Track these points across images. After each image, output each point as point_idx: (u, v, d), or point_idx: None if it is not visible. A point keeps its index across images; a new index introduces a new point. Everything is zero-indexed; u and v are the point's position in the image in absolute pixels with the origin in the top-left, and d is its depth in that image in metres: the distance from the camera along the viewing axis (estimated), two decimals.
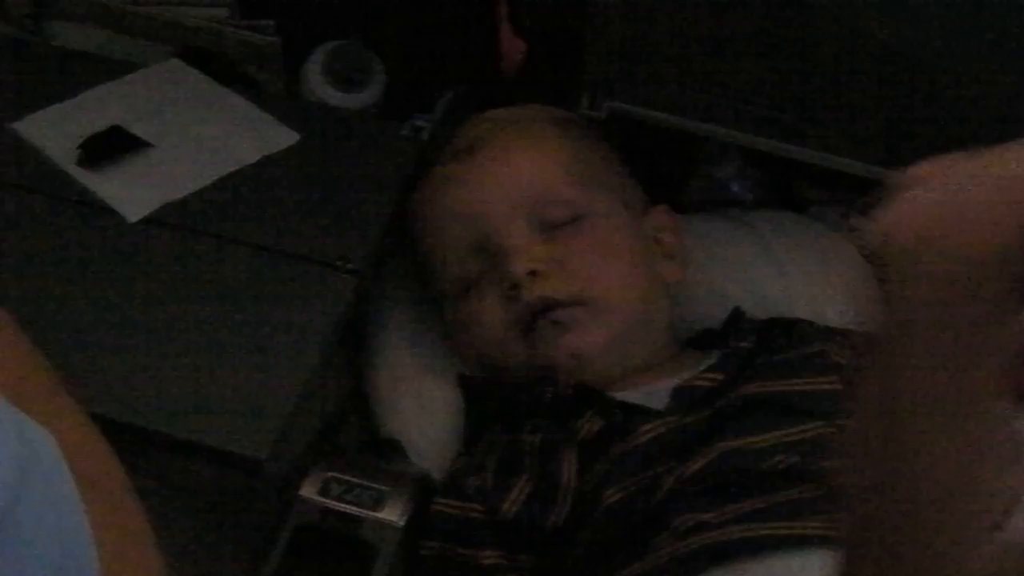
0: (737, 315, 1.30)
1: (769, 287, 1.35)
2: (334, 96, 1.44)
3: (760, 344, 1.23)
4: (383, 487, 1.15)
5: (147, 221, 1.26)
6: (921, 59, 1.19)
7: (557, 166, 1.26)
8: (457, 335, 1.28)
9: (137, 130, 1.33)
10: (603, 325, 1.20)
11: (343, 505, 1.14)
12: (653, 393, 1.18)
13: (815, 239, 1.41)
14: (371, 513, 1.14)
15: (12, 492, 0.58)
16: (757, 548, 1.03)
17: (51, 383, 0.75)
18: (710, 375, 1.19)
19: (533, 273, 1.20)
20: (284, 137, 1.35)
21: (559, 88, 1.39)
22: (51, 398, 0.74)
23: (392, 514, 1.14)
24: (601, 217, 1.25)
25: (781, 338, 1.24)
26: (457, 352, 1.28)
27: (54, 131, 1.32)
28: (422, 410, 1.27)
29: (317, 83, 1.44)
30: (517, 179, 1.25)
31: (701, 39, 1.27)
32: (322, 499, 1.14)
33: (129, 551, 0.69)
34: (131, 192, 1.27)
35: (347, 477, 1.15)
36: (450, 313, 1.27)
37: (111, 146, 1.30)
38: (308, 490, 1.15)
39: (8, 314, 0.74)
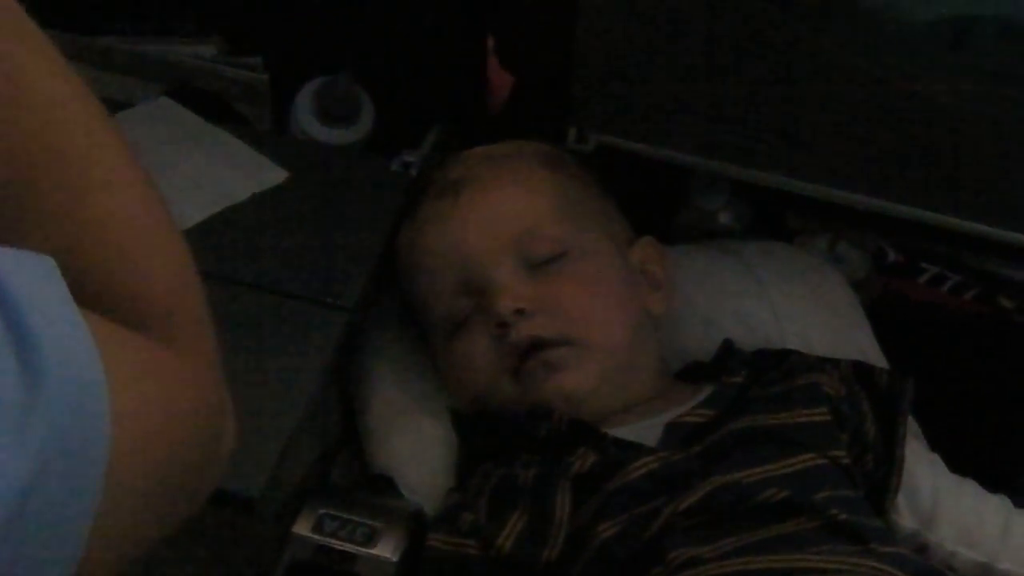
0: (728, 348, 1.30)
1: (758, 317, 1.36)
2: (323, 132, 1.45)
3: (751, 377, 1.23)
4: (376, 523, 1.15)
5: None
6: (910, 90, 1.20)
7: (542, 203, 1.26)
8: (447, 373, 1.28)
9: None
10: (593, 365, 1.21)
11: (337, 542, 1.14)
12: (646, 429, 1.18)
13: (803, 268, 1.41)
14: (365, 549, 1.14)
15: None
16: None
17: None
18: (702, 411, 1.19)
19: (520, 311, 1.20)
20: (273, 174, 1.35)
21: (546, 122, 1.40)
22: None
23: (386, 550, 1.14)
24: (587, 253, 1.25)
25: (771, 370, 1.25)
26: (448, 389, 1.28)
27: None
28: (414, 445, 1.26)
29: (306, 119, 1.45)
30: (502, 217, 1.25)
31: (688, 72, 1.28)
32: (316, 536, 1.14)
33: (175, 433, 0.67)
34: None
35: (340, 514, 1.15)
36: (440, 352, 1.28)
37: None
38: (302, 527, 1.15)
39: None
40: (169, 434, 0.66)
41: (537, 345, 1.20)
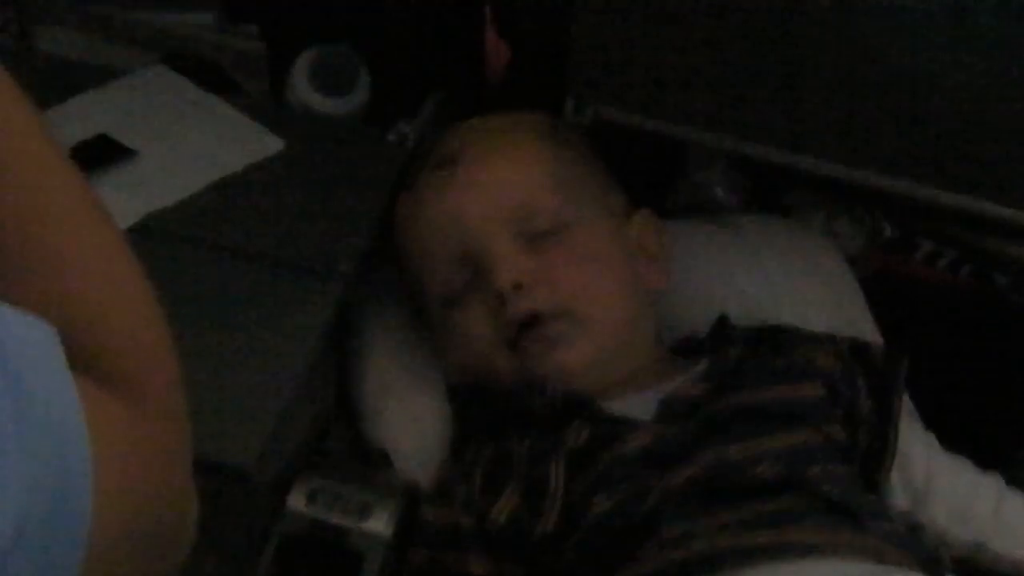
0: (723, 322, 1.30)
1: (754, 291, 1.36)
2: (319, 102, 1.44)
3: (746, 352, 1.23)
4: (370, 497, 1.15)
5: (133, 230, 1.25)
6: (907, 66, 1.19)
7: (539, 176, 1.26)
8: (444, 346, 1.27)
9: (123, 137, 1.32)
10: (590, 339, 1.20)
11: (330, 515, 1.14)
12: (641, 402, 1.18)
13: (800, 243, 1.41)
14: (358, 523, 1.14)
15: None
16: (745, 557, 1.03)
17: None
18: (697, 385, 1.19)
19: (518, 285, 1.20)
20: (270, 144, 1.35)
21: (543, 93, 1.39)
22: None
23: (379, 524, 1.14)
24: (585, 226, 1.25)
25: (767, 345, 1.25)
26: (444, 362, 1.28)
27: None
28: (409, 419, 1.26)
29: (302, 89, 1.44)
30: (499, 190, 1.24)
31: (686, 45, 1.27)
32: (308, 509, 1.15)
33: (152, 475, 0.68)
34: (117, 200, 1.25)
35: (334, 487, 1.16)
36: (436, 325, 1.27)
37: (97, 154, 1.30)
38: (295, 500, 1.15)
39: None
40: (142, 507, 0.67)
41: (535, 319, 1.20)
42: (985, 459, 1.26)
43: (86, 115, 1.35)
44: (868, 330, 1.35)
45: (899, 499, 1.22)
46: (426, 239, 1.27)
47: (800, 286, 1.36)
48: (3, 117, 0.70)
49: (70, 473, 0.61)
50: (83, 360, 0.65)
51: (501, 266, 1.21)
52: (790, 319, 1.31)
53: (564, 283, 1.21)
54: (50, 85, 1.37)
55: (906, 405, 1.26)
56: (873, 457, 1.20)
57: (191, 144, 1.34)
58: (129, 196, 1.28)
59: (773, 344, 1.25)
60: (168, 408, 0.71)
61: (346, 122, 1.44)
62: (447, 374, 1.28)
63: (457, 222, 1.24)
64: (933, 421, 1.30)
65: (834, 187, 1.39)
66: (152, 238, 1.25)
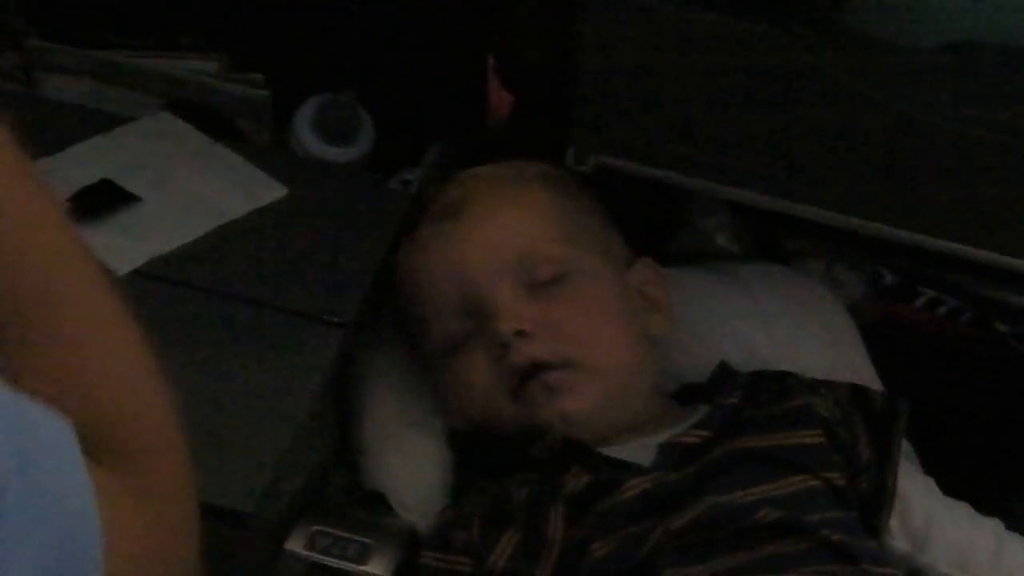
0: (723, 369, 1.30)
1: (755, 339, 1.36)
2: (323, 149, 1.45)
3: (746, 399, 1.24)
4: (369, 540, 1.15)
5: (136, 274, 1.26)
6: (907, 115, 1.20)
7: (542, 224, 1.27)
8: (445, 393, 1.27)
9: (127, 183, 1.33)
10: (593, 388, 1.21)
11: (329, 559, 1.14)
12: (640, 449, 1.18)
13: (800, 291, 1.42)
14: (357, 567, 1.14)
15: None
16: None
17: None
18: (697, 432, 1.19)
19: (521, 333, 1.20)
20: (273, 190, 1.36)
21: (546, 141, 1.40)
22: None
23: (378, 567, 1.14)
24: (587, 275, 1.25)
25: (766, 392, 1.25)
26: (444, 408, 1.28)
27: None
28: (408, 463, 1.26)
29: (306, 136, 1.45)
30: (502, 239, 1.25)
31: (688, 95, 1.28)
32: (308, 553, 1.14)
33: (153, 554, 0.69)
34: (120, 245, 1.28)
35: (333, 531, 1.15)
36: (437, 372, 1.27)
37: (101, 199, 1.31)
38: (294, 544, 1.15)
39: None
40: None
41: (538, 367, 1.20)
42: (985, 504, 1.26)
43: (90, 161, 1.35)
44: (868, 377, 1.36)
45: (899, 544, 1.21)
46: (429, 288, 1.27)
47: (800, 333, 1.36)
48: (23, 207, 0.71)
49: (83, 561, 0.62)
50: (93, 443, 0.66)
51: (504, 314, 1.21)
52: (790, 366, 1.31)
53: (567, 331, 1.22)
54: (55, 131, 1.38)
55: (906, 450, 1.26)
56: (873, 502, 1.20)
57: (194, 190, 1.35)
58: (132, 241, 1.28)
59: (773, 391, 1.25)
60: (176, 490, 0.73)
61: (349, 169, 1.45)
62: (447, 419, 1.28)
63: (460, 272, 1.24)
64: (933, 467, 1.30)
65: (834, 235, 1.39)
66: (155, 283, 1.25)
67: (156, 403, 0.74)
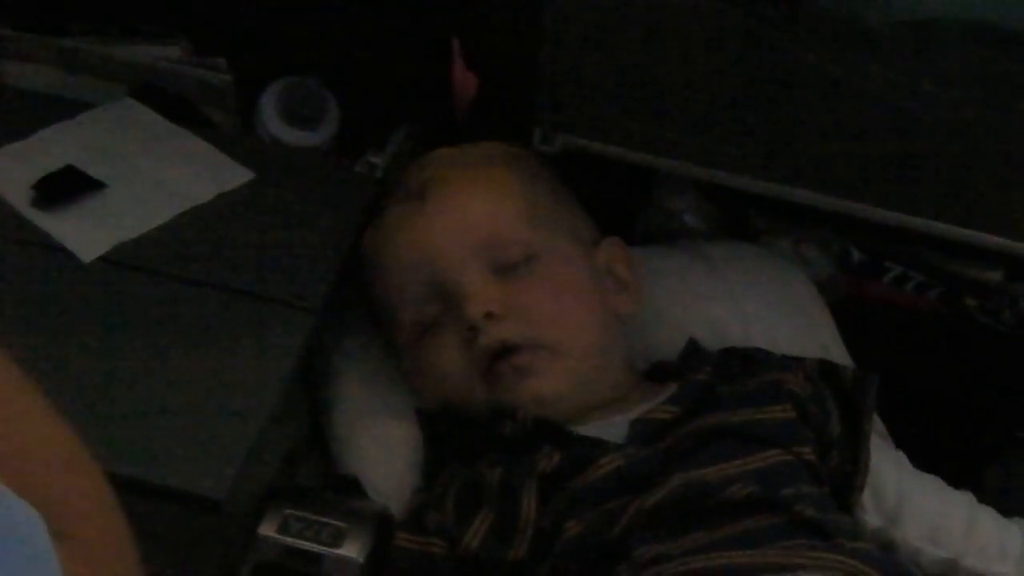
0: (693, 346, 1.30)
1: (723, 316, 1.36)
2: (288, 133, 1.45)
3: (716, 375, 1.24)
4: (342, 524, 1.15)
5: (102, 261, 1.25)
6: (874, 92, 1.20)
7: (508, 206, 1.26)
8: (415, 377, 1.27)
9: (91, 170, 1.32)
10: (562, 368, 1.21)
11: (302, 542, 1.13)
12: (611, 426, 1.19)
13: (768, 268, 1.42)
14: (331, 550, 1.13)
15: None
16: None
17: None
18: (667, 408, 1.20)
19: (489, 315, 1.20)
20: (238, 175, 1.35)
21: (512, 123, 1.40)
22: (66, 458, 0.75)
23: (352, 550, 1.13)
24: (554, 255, 1.25)
25: (737, 368, 1.25)
26: (414, 390, 1.28)
27: (7, 172, 1.31)
28: (380, 446, 1.26)
29: (271, 120, 1.45)
30: (469, 221, 1.25)
31: (653, 74, 1.28)
32: (281, 537, 1.14)
33: None
34: (85, 232, 1.27)
35: (306, 514, 1.15)
36: (407, 355, 1.27)
37: (65, 186, 1.30)
38: (267, 528, 1.14)
39: None
40: None
41: (507, 349, 1.20)
42: (956, 478, 1.27)
43: (54, 148, 1.35)
44: (838, 353, 1.36)
45: (871, 518, 1.22)
46: (396, 272, 1.27)
47: (769, 310, 1.37)
48: None
49: None
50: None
51: (472, 297, 1.21)
52: (760, 343, 1.32)
53: (535, 312, 1.22)
54: (18, 119, 1.38)
55: (877, 425, 1.26)
56: (845, 477, 1.21)
57: (160, 176, 1.34)
58: (97, 227, 1.28)
59: (743, 367, 1.25)
60: (118, 546, 0.75)
61: (315, 153, 1.45)
62: (418, 402, 1.28)
63: (426, 255, 1.24)
64: (904, 441, 1.31)
65: (801, 212, 1.39)
66: (121, 269, 1.25)
67: (95, 485, 0.76)
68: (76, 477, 0.75)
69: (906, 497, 1.22)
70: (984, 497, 1.26)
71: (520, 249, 1.24)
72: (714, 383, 1.23)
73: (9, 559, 0.61)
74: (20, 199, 1.29)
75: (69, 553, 0.66)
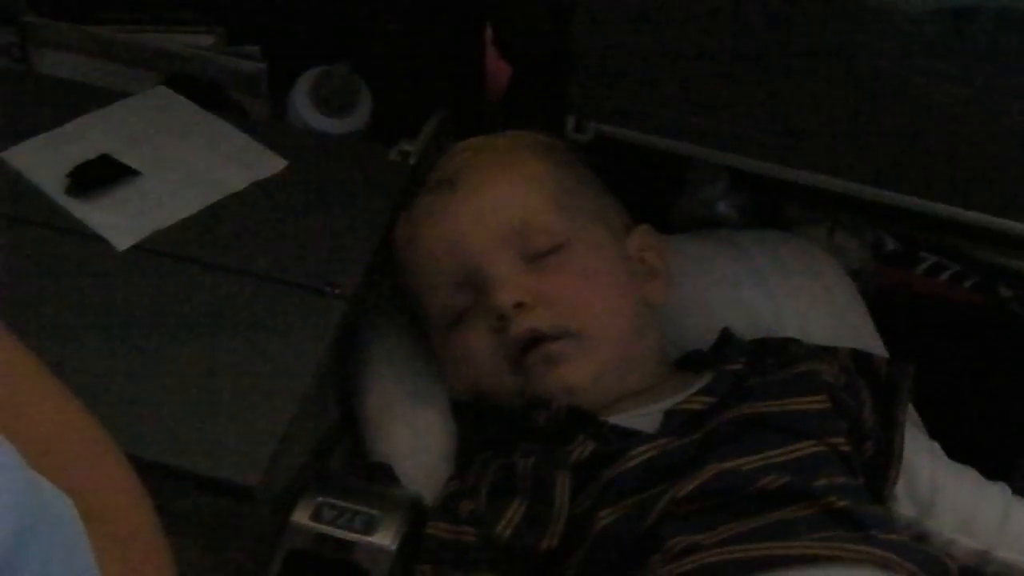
0: (726, 336, 1.30)
1: (757, 306, 1.36)
2: (321, 121, 1.45)
3: (750, 365, 1.23)
4: (375, 511, 1.15)
5: (136, 249, 1.26)
6: (906, 80, 1.20)
7: (539, 195, 1.26)
8: (447, 365, 1.27)
9: (125, 158, 1.33)
10: (593, 357, 1.20)
11: (335, 530, 1.14)
12: (645, 416, 1.18)
13: (801, 257, 1.41)
14: (363, 537, 1.13)
15: (13, 542, 0.59)
16: (751, 568, 1.03)
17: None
18: (701, 398, 1.19)
19: (519, 305, 1.20)
20: (272, 163, 1.35)
21: (544, 111, 1.40)
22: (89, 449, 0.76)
23: (384, 538, 1.14)
24: (585, 244, 1.25)
25: (770, 358, 1.25)
26: (447, 379, 1.28)
27: (42, 160, 1.32)
28: (413, 434, 1.26)
29: (304, 109, 1.45)
30: (499, 211, 1.24)
31: (686, 61, 1.28)
32: (314, 524, 1.14)
33: None
34: (119, 220, 1.28)
35: (339, 502, 1.15)
36: (439, 344, 1.27)
37: (99, 175, 1.31)
38: (300, 515, 1.15)
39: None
40: None
41: (537, 338, 1.20)
42: (990, 469, 1.26)
43: (88, 136, 1.35)
44: (872, 343, 1.35)
45: (905, 509, 1.21)
46: (426, 262, 1.27)
47: (803, 299, 1.36)
48: None
49: None
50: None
51: (501, 287, 1.21)
52: (793, 332, 1.31)
53: (565, 302, 1.21)
54: (52, 107, 1.38)
55: (911, 416, 1.26)
56: (878, 468, 1.20)
57: (193, 164, 1.34)
58: (131, 216, 1.28)
59: (777, 357, 1.25)
60: (150, 533, 0.76)
61: (348, 141, 1.45)
62: (450, 391, 1.28)
63: (456, 245, 1.24)
64: (938, 432, 1.30)
65: (835, 201, 1.39)
66: (155, 257, 1.25)
67: (119, 467, 0.77)
68: (103, 465, 0.76)
69: (940, 488, 1.22)
70: (1018, 488, 1.25)
71: (550, 238, 1.24)
72: (748, 373, 1.22)
73: (43, 543, 0.61)
74: (55, 187, 1.30)
75: (100, 537, 0.67)
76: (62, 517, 0.65)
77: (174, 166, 1.34)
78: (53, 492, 0.65)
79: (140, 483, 0.77)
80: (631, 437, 1.15)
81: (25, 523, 0.60)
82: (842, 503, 1.09)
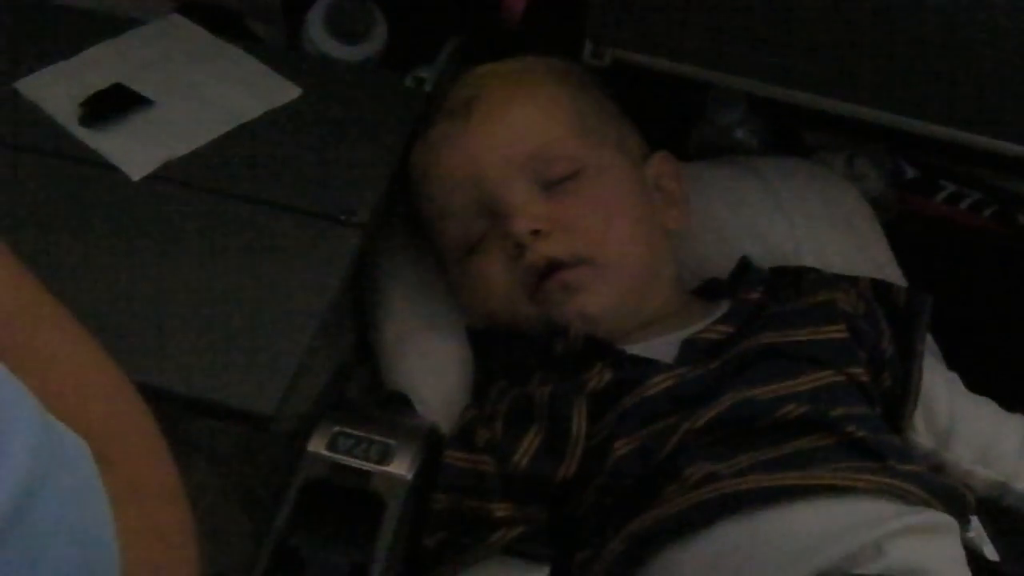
0: (745, 265, 1.29)
1: (775, 233, 1.35)
2: (336, 48, 1.44)
3: (768, 294, 1.23)
4: (391, 441, 1.15)
5: (150, 178, 1.25)
6: (929, 5, 1.18)
7: (555, 121, 1.25)
8: (463, 294, 1.27)
9: (139, 87, 1.32)
10: (610, 284, 1.20)
11: (351, 459, 1.14)
12: (662, 345, 1.18)
13: (820, 185, 1.40)
14: (379, 467, 1.13)
15: (28, 485, 0.59)
16: (768, 498, 1.03)
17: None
18: (719, 327, 1.19)
19: (536, 232, 1.19)
20: (286, 91, 1.35)
21: (561, 36, 1.38)
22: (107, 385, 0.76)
23: (400, 467, 1.14)
24: (602, 170, 1.24)
25: (788, 287, 1.24)
26: (463, 307, 1.28)
27: (55, 90, 1.31)
28: (429, 363, 1.26)
29: (318, 36, 1.44)
30: (515, 137, 1.23)
31: None
32: (330, 453, 1.14)
33: (160, 557, 0.71)
34: (134, 150, 1.27)
35: (355, 431, 1.15)
36: (455, 272, 1.27)
37: (113, 104, 1.30)
38: (316, 445, 1.15)
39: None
40: None
41: (554, 266, 1.20)
42: (1009, 400, 1.25)
43: (101, 65, 1.34)
44: (891, 272, 1.35)
45: (923, 440, 1.21)
46: (442, 189, 1.26)
47: (821, 228, 1.36)
48: None
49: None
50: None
51: (518, 214, 1.20)
52: (812, 260, 1.31)
53: (582, 229, 1.21)
54: (65, 37, 1.37)
55: (930, 346, 1.25)
56: (897, 398, 1.20)
57: (207, 92, 1.33)
58: (146, 145, 1.27)
59: (795, 286, 1.24)
60: (170, 491, 0.75)
61: (363, 68, 1.44)
62: (467, 319, 1.28)
63: (472, 172, 1.23)
64: (957, 362, 1.29)
65: (855, 128, 1.37)
66: (169, 187, 1.25)
67: (135, 411, 0.76)
68: (116, 404, 0.76)
69: (958, 419, 1.21)
70: None
71: (567, 164, 1.23)
72: (766, 302, 1.22)
73: (57, 486, 0.61)
74: (69, 117, 1.29)
75: (113, 479, 0.67)
76: (77, 461, 0.65)
77: (188, 95, 1.33)
78: (68, 436, 0.65)
79: (157, 426, 0.76)
80: (648, 366, 1.15)
81: (40, 466, 0.60)
82: (860, 433, 1.09)
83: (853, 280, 1.25)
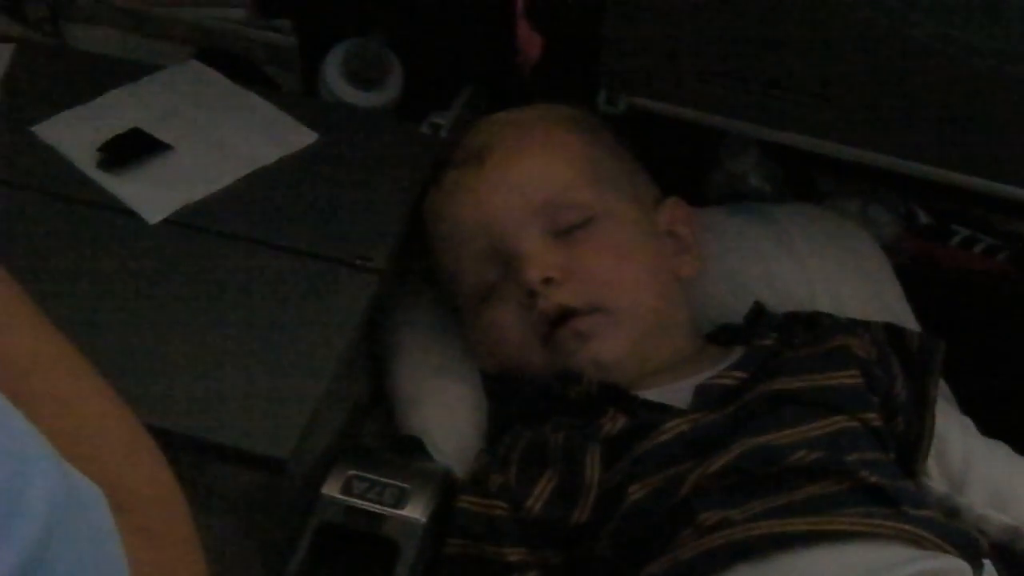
0: (758, 310, 1.29)
1: (789, 279, 1.35)
2: (352, 95, 1.45)
3: (782, 340, 1.23)
4: (405, 485, 1.15)
5: (167, 223, 1.26)
6: (944, 51, 1.19)
7: (567, 169, 1.26)
8: (477, 341, 1.27)
9: (156, 132, 1.33)
10: (623, 332, 1.20)
11: (366, 503, 1.14)
12: (676, 391, 1.18)
13: (834, 230, 1.40)
14: (394, 511, 1.14)
15: (45, 534, 0.59)
16: (782, 544, 1.03)
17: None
18: (733, 373, 1.19)
19: (549, 280, 1.20)
20: (303, 136, 1.35)
21: (576, 83, 1.39)
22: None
23: (415, 511, 1.14)
24: (614, 218, 1.25)
25: (802, 333, 1.24)
26: (477, 355, 1.28)
27: (74, 134, 1.32)
28: (444, 407, 1.26)
29: (335, 82, 1.45)
30: (527, 185, 1.24)
31: (718, 33, 1.27)
32: (345, 497, 1.15)
33: None
34: (151, 194, 1.28)
35: (369, 475, 1.16)
36: (469, 319, 1.27)
37: (131, 148, 1.31)
38: (331, 488, 1.15)
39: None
40: None
41: (567, 313, 1.20)
42: (1022, 444, 1.25)
43: (120, 110, 1.36)
44: (904, 317, 1.35)
45: (937, 484, 1.21)
46: (455, 235, 1.27)
47: (835, 273, 1.36)
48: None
49: None
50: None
51: (531, 262, 1.21)
52: (825, 306, 1.31)
53: (594, 276, 1.21)
54: (84, 81, 1.38)
55: (943, 390, 1.25)
56: (910, 443, 1.20)
57: (225, 138, 1.34)
58: (163, 189, 1.28)
59: (809, 331, 1.24)
60: (184, 534, 0.75)
61: (379, 114, 1.45)
62: (480, 365, 1.28)
63: (485, 219, 1.24)
64: (970, 407, 1.29)
65: (868, 174, 1.38)
66: (186, 231, 1.26)
67: (151, 458, 0.77)
68: (137, 457, 0.76)
69: (972, 463, 1.21)
70: None
71: (579, 211, 1.23)
72: (780, 348, 1.22)
73: (74, 534, 0.62)
74: (87, 161, 1.30)
75: (128, 526, 0.67)
76: (93, 508, 0.65)
77: (206, 140, 1.34)
78: (84, 483, 0.65)
79: (172, 473, 0.77)
80: (662, 412, 1.15)
81: (57, 514, 0.60)
82: (873, 478, 1.09)
83: (866, 325, 1.25)
